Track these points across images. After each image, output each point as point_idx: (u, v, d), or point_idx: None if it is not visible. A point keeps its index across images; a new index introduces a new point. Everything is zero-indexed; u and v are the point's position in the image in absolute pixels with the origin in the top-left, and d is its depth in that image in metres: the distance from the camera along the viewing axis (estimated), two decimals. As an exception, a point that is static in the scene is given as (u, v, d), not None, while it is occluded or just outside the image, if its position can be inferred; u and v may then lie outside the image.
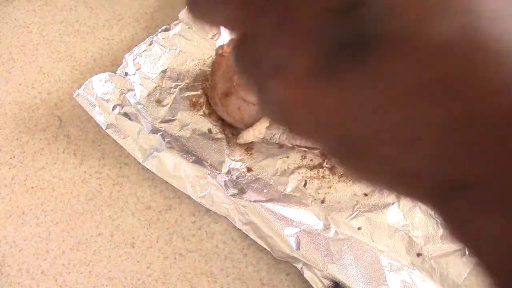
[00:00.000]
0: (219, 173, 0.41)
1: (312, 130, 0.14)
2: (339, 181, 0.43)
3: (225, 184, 0.40)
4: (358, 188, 0.42)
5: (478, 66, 0.10)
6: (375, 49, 0.11)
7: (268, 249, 0.38)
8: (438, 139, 0.11)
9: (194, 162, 0.41)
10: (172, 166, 0.41)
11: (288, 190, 0.41)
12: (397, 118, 0.11)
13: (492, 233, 0.11)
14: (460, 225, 0.12)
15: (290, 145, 0.44)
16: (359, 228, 0.40)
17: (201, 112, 0.45)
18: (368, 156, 0.13)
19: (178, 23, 0.49)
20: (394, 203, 0.41)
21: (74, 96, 0.42)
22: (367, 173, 0.14)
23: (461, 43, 0.10)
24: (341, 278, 0.36)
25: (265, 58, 0.13)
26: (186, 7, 0.15)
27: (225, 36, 0.51)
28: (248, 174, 0.42)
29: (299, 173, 0.43)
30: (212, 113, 0.45)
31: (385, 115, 0.11)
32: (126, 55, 0.46)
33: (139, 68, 0.46)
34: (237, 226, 0.39)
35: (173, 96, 0.46)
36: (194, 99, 0.46)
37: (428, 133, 0.11)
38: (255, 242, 0.39)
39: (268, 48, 0.13)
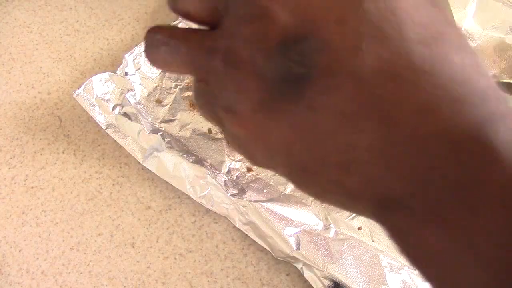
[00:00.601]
0: (219, 173, 0.41)
1: (266, 160, 0.15)
2: (339, 181, 0.43)
3: (225, 184, 0.40)
4: (358, 188, 0.42)
5: (403, 92, 0.11)
6: (311, 83, 0.12)
7: (268, 249, 0.38)
8: (368, 161, 0.12)
9: (194, 162, 0.41)
10: (172, 166, 0.41)
11: (288, 190, 0.41)
12: (333, 145, 0.12)
13: (430, 244, 0.12)
14: (401, 238, 0.13)
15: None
16: (359, 228, 0.40)
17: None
18: (316, 179, 0.14)
19: (178, 23, 0.49)
20: (394, 203, 0.41)
21: (74, 96, 0.42)
22: (319, 194, 0.15)
23: (387, 71, 0.11)
24: (341, 278, 0.36)
25: (218, 97, 0.15)
26: (145, 51, 0.17)
27: (225, 36, 0.50)
28: (248, 174, 0.42)
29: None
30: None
31: (323, 143, 0.13)
32: (126, 55, 0.46)
33: (139, 68, 0.46)
34: (237, 226, 0.39)
35: (173, 96, 0.46)
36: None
37: (359, 156, 0.12)
38: (255, 242, 0.39)
39: (218, 88, 0.14)
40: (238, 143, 0.16)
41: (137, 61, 0.46)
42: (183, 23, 0.49)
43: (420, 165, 0.11)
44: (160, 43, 0.16)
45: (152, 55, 0.16)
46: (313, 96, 0.12)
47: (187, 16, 0.16)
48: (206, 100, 0.15)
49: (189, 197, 0.40)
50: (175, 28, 0.16)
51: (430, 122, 0.11)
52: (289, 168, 0.14)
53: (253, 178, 0.42)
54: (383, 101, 0.12)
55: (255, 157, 0.16)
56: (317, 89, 0.12)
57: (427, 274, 0.13)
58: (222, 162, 0.42)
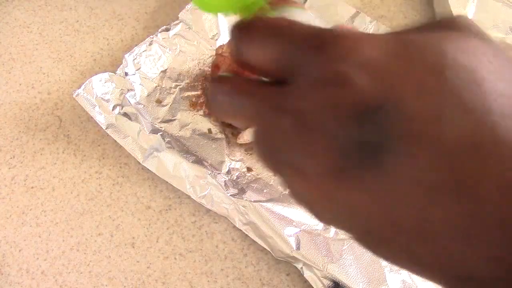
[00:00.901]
0: (219, 173, 0.41)
1: (332, 221, 0.15)
2: (339, 181, 0.43)
3: (225, 184, 0.40)
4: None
5: (486, 167, 0.11)
6: (388, 152, 0.12)
7: (268, 249, 0.38)
8: (446, 235, 0.11)
9: (194, 162, 0.41)
10: (172, 166, 0.41)
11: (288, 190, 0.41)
12: (408, 215, 0.12)
13: None
14: None
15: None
16: (359, 228, 0.40)
17: (201, 112, 0.45)
18: (387, 245, 0.13)
19: (178, 23, 0.49)
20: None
21: (74, 96, 0.42)
22: (389, 258, 0.14)
23: (470, 143, 0.11)
24: (341, 278, 0.36)
25: (284, 154, 0.14)
26: (209, 100, 0.17)
27: (225, 36, 0.50)
28: (248, 174, 0.42)
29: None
30: (212, 113, 0.45)
31: (398, 212, 0.12)
32: (126, 55, 0.46)
33: (139, 68, 0.46)
34: (237, 226, 0.39)
35: (173, 96, 0.46)
36: (194, 99, 0.46)
37: (436, 229, 0.12)
38: (255, 242, 0.39)
39: (285, 146, 0.14)
40: (302, 200, 0.15)
41: (137, 61, 0.46)
42: (183, 23, 0.49)
43: (509, 249, 0.11)
44: (224, 95, 0.16)
45: (215, 107, 0.16)
46: (389, 166, 0.12)
47: (252, 68, 0.15)
48: (270, 153, 0.15)
49: (189, 197, 0.40)
50: (240, 80, 0.16)
51: None
52: (358, 232, 0.14)
53: (253, 178, 0.42)
54: (464, 175, 0.11)
55: (323, 216, 0.15)
56: (394, 159, 0.12)
57: None
58: (222, 162, 0.42)
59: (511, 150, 0.11)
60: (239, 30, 0.16)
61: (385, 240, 0.13)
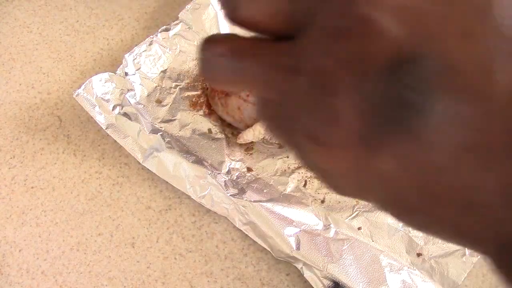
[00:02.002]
0: (219, 173, 0.41)
1: (357, 192, 0.13)
2: (339, 181, 0.43)
3: (225, 184, 0.40)
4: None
5: None
6: (429, 112, 0.10)
7: (268, 249, 0.38)
8: (495, 203, 0.10)
9: (194, 162, 0.41)
10: (172, 166, 0.41)
11: (288, 190, 0.41)
12: (452, 184, 0.11)
13: None
14: None
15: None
16: (359, 228, 0.40)
17: (201, 112, 0.45)
18: (424, 217, 0.12)
19: (178, 23, 0.49)
20: (394, 203, 0.41)
21: (74, 96, 0.42)
22: (424, 229, 0.13)
23: None
24: (341, 278, 0.36)
25: (299, 123, 0.12)
26: (201, 68, 0.14)
27: (225, 36, 0.50)
28: (248, 174, 0.42)
29: (299, 173, 0.43)
30: (212, 113, 0.45)
31: (439, 181, 0.11)
32: (126, 55, 0.46)
33: (139, 68, 0.46)
34: (237, 226, 0.39)
35: (173, 96, 0.46)
36: (194, 99, 0.46)
37: (484, 197, 0.10)
38: (255, 242, 0.39)
39: (300, 113, 0.12)
40: (322, 174, 0.13)
41: (137, 61, 0.46)
42: (183, 23, 0.49)
43: None
44: (221, 59, 0.13)
45: (210, 73, 0.14)
46: (430, 128, 0.10)
47: (253, 26, 0.13)
48: (281, 124, 0.13)
49: (189, 197, 0.40)
50: (237, 39, 0.13)
51: None
52: (389, 203, 0.12)
53: (253, 178, 0.42)
54: None
55: (344, 189, 0.14)
56: (435, 119, 0.10)
57: None
58: (222, 162, 0.42)
59: None
60: None
61: (420, 212, 0.12)
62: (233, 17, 0.13)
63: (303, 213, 0.40)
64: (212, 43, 0.14)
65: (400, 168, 0.11)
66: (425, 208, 0.11)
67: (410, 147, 0.10)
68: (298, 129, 0.12)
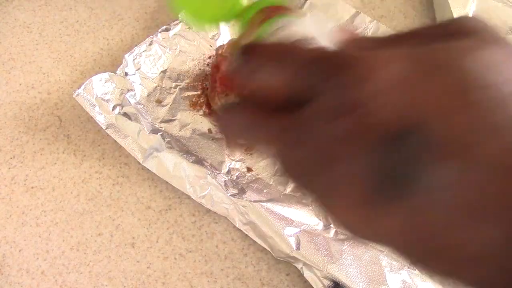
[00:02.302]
0: (219, 173, 0.41)
1: (373, 238, 0.14)
2: (339, 181, 0.43)
3: (225, 184, 0.40)
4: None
5: None
6: (421, 180, 0.11)
7: (268, 249, 0.38)
8: (490, 258, 0.11)
9: (194, 162, 0.41)
10: (172, 166, 0.41)
11: (288, 190, 0.41)
12: (449, 240, 0.12)
13: None
14: None
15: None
16: (359, 228, 0.40)
17: (201, 112, 0.45)
18: (428, 267, 0.13)
19: (178, 23, 0.49)
20: (394, 203, 0.41)
21: (74, 96, 0.42)
22: (428, 273, 0.14)
23: (498, 165, 0.10)
24: (341, 278, 0.36)
25: (311, 182, 0.14)
26: (220, 130, 0.16)
27: (225, 36, 0.50)
28: (248, 174, 0.42)
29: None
30: (212, 113, 0.45)
31: (437, 238, 0.12)
32: (126, 55, 0.46)
33: (139, 68, 0.46)
34: (237, 226, 0.39)
35: (173, 96, 0.46)
36: (194, 99, 0.46)
37: (479, 252, 0.11)
38: (255, 242, 0.39)
39: (312, 175, 0.13)
40: (337, 221, 0.15)
41: (137, 61, 0.46)
42: (183, 23, 0.49)
43: None
44: (239, 125, 0.15)
45: (229, 136, 0.16)
46: (423, 193, 0.11)
47: (262, 94, 0.15)
48: (297, 177, 0.15)
49: (189, 197, 0.40)
50: (251, 108, 0.15)
51: None
52: (399, 252, 0.14)
53: (253, 178, 0.42)
54: (505, 196, 0.11)
55: (359, 234, 0.15)
56: (428, 185, 0.11)
57: None
58: (222, 162, 0.42)
59: None
60: (246, 56, 0.15)
61: (424, 263, 0.13)
62: (247, 85, 0.15)
63: (303, 213, 0.40)
64: (230, 112, 0.16)
65: (403, 225, 0.12)
66: (430, 260, 0.13)
67: (409, 209, 0.12)
68: (313, 185, 0.14)
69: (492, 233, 0.11)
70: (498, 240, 0.11)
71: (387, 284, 0.37)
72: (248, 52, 0.15)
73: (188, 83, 0.47)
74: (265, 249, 0.38)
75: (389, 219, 0.12)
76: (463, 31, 0.13)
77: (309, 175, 0.14)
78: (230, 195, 0.39)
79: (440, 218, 0.11)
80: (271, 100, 0.15)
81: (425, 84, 0.12)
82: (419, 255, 0.13)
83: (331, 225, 0.39)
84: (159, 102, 0.45)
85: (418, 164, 0.11)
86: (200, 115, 0.45)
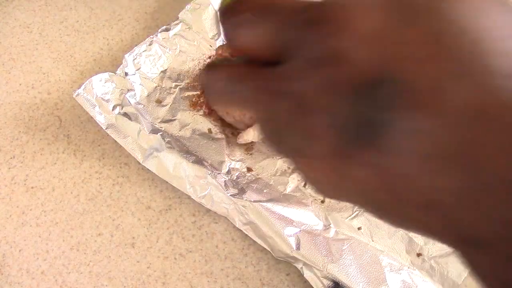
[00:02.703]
0: (219, 173, 0.41)
1: (339, 196, 0.15)
2: (339, 181, 0.43)
3: (225, 184, 0.40)
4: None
5: (490, 132, 0.11)
6: (391, 127, 0.12)
7: (268, 249, 0.38)
8: (452, 204, 0.12)
9: (194, 162, 0.41)
10: (172, 166, 0.41)
11: (288, 190, 0.41)
12: (415, 188, 0.12)
13: None
14: (485, 275, 0.13)
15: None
16: (359, 228, 0.40)
17: (201, 112, 0.45)
18: (394, 216, 0.14)
19: (178, 23, 0.49)
20: (394, 203, 0.41)
21: (74, 96, 0.42)
22: (397, 225, 0.14)
23: (473, 110, 0.11)
24: (341, 278, 0.36)
25: (287, 139, 0.14)
26: (205, 90, 0.17)
27: (225, 36, 0.50)
28: (248, 174, 0.42)
29: (299, 173, 0.43)
30: (212, 113, 0.45)
31: (404, 186, 0.12)
32: (126, 55, 0.46)
33: (139, 68, 0.46)
34: (237, 226, 0.39)
35: (173, 96, 0.46)
36: (194, 99, 0.46)
37: (442, 199, 0.12)
38: (255, 242, 0.39)
39: (287, 131, 0.14)
40: (310, 180, 0.15)
41: (137, 61, 0.46)
42: (183, 23, 0.49)
43: (511, 210, 0.11)
44: (219, 83, 0.16)
45: (212, 95, 0.16)
46: (392, 141, 0.12)
47: (246, 52, 0.15)
48: (273, 137, 0.15)
49: (189, 197, 0.40)
50: (233, 66, 0.16)
51: None
52: (365, 204, 0.14)
53: (253, 178, 0.42)
54: (471, 144, 0.11)
55: (327, 193, 0.15)
56: (397, 133, 0.11)
57: None
58: (222, 162, 0.42)
59: None
60: (225, 13, 0.15)
61: (392, 210, 0.13)
62: (232, 44, 0.15)
63: (303, 213, 0.40)
64: (212, 69, 0.16)
65: (370, 175, 0.13)
66: (394, 208, 0.13)
67: (377, 158, 0.12)
68: (287, 143, 0.14)
69: (448, 181, 0.11)
70: (453, 189, 0.11)
71: (387, 284, 0.37)
72: (233, 7, 0.15)
73: (188, 83, 0.47)
74: (265, 249, 0.38)
75: (356, 169, 0.13)
76: None
77: (285, 131, 0.14)
78: (230, 195, 0.39)
79: (403, 167, 0.12)
80: (254, 55, 0.15)
81: (401, 33, 0.12)
82: (382, 205, 0.13)
83: (331, 225, 0.39)
84: (159, 102, 0.45)
85: (388, 113, 0.11)
86: (200, 115, 0.45)
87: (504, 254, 0.12)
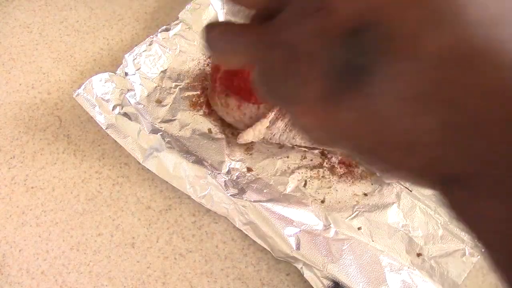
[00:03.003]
0: (219, 173, 0.41)
1: (330, 141, 0.16)
2: (339, 181, 0.43)
3: (225, 184, 0.40)
4: (358, 188, 0.42)
5: (466, 76, 0.12)
6: (374, 71, 0.12)
7: (268, 249, 0.38)
8: (431, 143, 0.13)
9: (194, 162, 0.41)
10: (172, 166, 0.41)
11: (288, 190, 0.41)
12: (397, 129, 0.13)
13: (492, 217, 0.13)
14: (461, 210, 0.14)
15: (290, 145, 0.44)
16: (359, 228, 0.40)
17: (201, 112, 0.45)
18: (381, 159, 0.15)
19: (178, 23, 0.49)
20: (394, 203, 0.41)
21: (74, 96, 0.42)
22: (384, 171, 0.15)
23: (451, 55, 0.12)
24: (341, 278, 0.36)
25: (281, 88, 0.15)
26: (205, 47, 0.18)
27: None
28: (248, 174, 0.42)
29: (299, 173, 0.43)
30: (212, 113, 0.45)
31: (387, 127, 0.13)
32: (126, 55, 0.46)
33: (139, 68, 0.46)
34: (237, 226, 0.39)
35: (173, 96, 0.46)
36: (194, 99, 0.46)
37: (422, 138, 0.13)
38: (255, 242, 0.39)
39: (280, 79, 0.15)
40: (302, 128, 0.16)
41: (137, 61, 0.46)
42: (183, 23, 0.49)
43: (485, 148, 0.12)
44: (219, 38, 0.17)
45: (213, 50, 0.17)
46: (376, 84, 0.12)
47: (243, 3, 0.16)
48: (268, 87, 0.16)
49: (189, 197, 0.40)
50: (231, 23, 0.17)
51: (494, 106, 0.11)
52: (354, 149, 0.15)
53: (253, 178, 0.42)
54: (447, 86, 0.12)
55: (319, 139, 0.16)
56: (380, 77, 0.12)
57: (483, 240, 0.14)
58: (222, 162, 0.42)
59: (487, 58, 0.11)
60: None
61: (377, 154, 0.14)
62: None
63: (303, 213, 0.40)
64: (212, 26, 0.17)
65: (357, 118, 0.13)
66: (379, 151, 0.14)
67: (362, 100, 0.13)
68: (281, 92, 0.15)
69: (427, 121, 0.12)
70: (432, 129, 0.12)
71: (387, 284, 0.37)
72: None
73: (188, 83, 0.47)
74: (265, 249, 0.38)
75: (344, 113, 0.14)
76: None
77: (278, 79, 0.15)
78: (230, 195, 0.39)
79: (386, 109, 0.13)
80: (252, 5, 0.16)
81: None
82: (368, 148, 0.14)
83: (331, 225, 0.39)
84: (159, 102, 0.45)
85: (372, 57, 0.12)
86: (200, 115, 0.45)
87: (482, 188, 0.13)
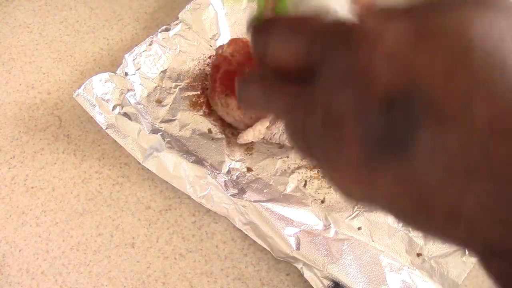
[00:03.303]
0: (219, 173, 0.41)
1: (365, 201, 0.16)
2: (339, 181, 0.43)
3: (225, 184, 0.40)
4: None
5: (506, 150, 0.11)
6: (417, 140, 0.12)
7: (268, 249, 0.38)
8: (476, 216, 0.12)
9: (194, 162, 0.41)
10: (172, 166, 0.41)
11: (288, 190, 0.41)
12: (440, 200, 0.12)
13: None
14: (506, 282, 0.13)
15: (290, 145, 0.44)
16: (359, 228, 0.40)
17: (201, 112, 0.45)
18: (420, 227, 0.14)
19: (178, 23, 0.49)
20: (394, 203, 0.41)
21: (74, 96, 0.42)
22: (420, 232, 0.15)
23: (492, 128, 0.11)
24: (341, 278, 0.36)
25: (316, 147, 0.15)
26: (238, 100, 0.18)
27: (225, 36, 0.51)
28: (248, 174, 0.42)
29: (299, 173, 0.43)
30: (212, 113, 0.45)
31: (429, 198, 0.13)
32: (126, 55, 0.46)
33: (139, 68, 0.46)
34: (237, 226, 0.39)
35: (173, 96, 0.46)
36: (194, 99, 0.46)
37: (467, 211, 0.12)
38: (255, 242, 0.39)
39: (317, 140, 0.15)
40: (334, 183, 0.16)
41: (137, 61, 0.46)
42: (183, 23, 0.49)
43: None
44: (255, 93, 0.17)
45: (246, 104, 0.17)
46: (420, 154, 0.12)
47: (275, 64, 0.16)
48: (303, 145, 0.16)
49: (189, 197, 0.40)
50: (266, 80, 0.17)
51: None
52: (392, 211, 0.15)
53: (253, 178, 0.42)
54: (494, 159, 0.11)
55: (352, 197, 0.16)
56: (424, 147, 0.12)
57: None
58: (222, 162, 0.42)
59: None
60: (262, 27, 0.16)
61: (418, 219, 0.14)
62: (260, 54, 0.17)
63: (303, 213, 0.40)
64: (248, 80, 0.17)
65: (396, 185, 0.13)
66: (420, 218, 0.14)
67: (403, 169, 0.13)
68: (316, 151, 0.15)
69: (473, 194, 0.12)
70: (478, 202, 0.12)
71: (387, 284, 0.37)
72: (265, 25, 0.16)
73: (188, 83, 0.47)
74: (265, 249, 0.38)
75: (382, 179, 0.13)
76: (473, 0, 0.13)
77: (316, 141, 0.15)
78: (230, 195, 0.39)
79: (429, 179, 0.12)
80: (285, 69, 0.16)
81: (429, 50, 0.12)
82: (409, 213, 0.14)
83: (331, 225, 0.39)
84: (159, 102, 0.45)
85: (415, 127, 0.12)
86: (200, 115, 0.45)
87: None
